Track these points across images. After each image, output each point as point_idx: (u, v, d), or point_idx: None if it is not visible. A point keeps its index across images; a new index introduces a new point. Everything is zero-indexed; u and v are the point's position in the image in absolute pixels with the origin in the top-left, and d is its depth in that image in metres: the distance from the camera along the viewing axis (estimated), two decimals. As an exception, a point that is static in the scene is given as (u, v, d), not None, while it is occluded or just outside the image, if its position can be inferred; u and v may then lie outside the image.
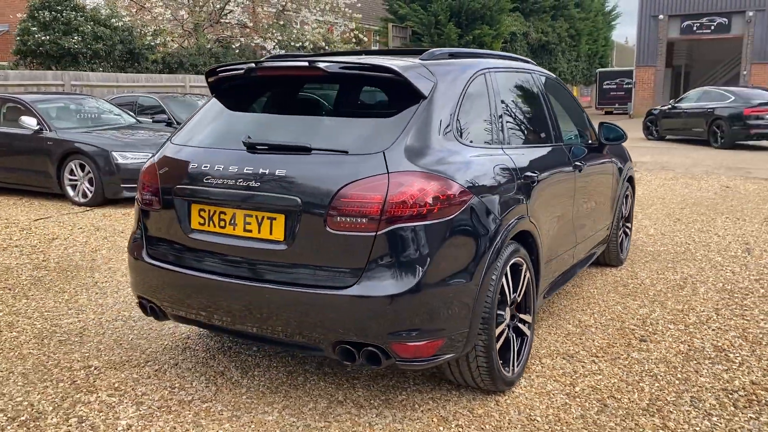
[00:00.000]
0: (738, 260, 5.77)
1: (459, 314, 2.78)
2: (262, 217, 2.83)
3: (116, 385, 3.36)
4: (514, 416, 3.00)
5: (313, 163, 2.77)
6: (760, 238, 6.63)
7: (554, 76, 4.58)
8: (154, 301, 3.23)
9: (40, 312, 4.47)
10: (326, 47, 23.88)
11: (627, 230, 5.78)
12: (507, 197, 3.10)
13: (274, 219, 2.80)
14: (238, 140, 2.99)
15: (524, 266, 3.26)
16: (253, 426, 2.93)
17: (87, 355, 3.74)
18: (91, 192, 8.51)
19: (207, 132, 3.25)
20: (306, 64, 3.02)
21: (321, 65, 2.93)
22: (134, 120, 10.30)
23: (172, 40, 18.23)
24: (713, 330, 4.09)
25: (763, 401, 3.15)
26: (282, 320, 2.79)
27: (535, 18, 37.84)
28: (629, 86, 38.41)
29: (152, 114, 11.68)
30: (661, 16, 29.30)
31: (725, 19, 28.44)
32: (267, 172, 2.80)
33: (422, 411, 3.06)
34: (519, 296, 3.26)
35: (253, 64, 3.13)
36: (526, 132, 3.71)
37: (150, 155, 3.39)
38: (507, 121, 3.46)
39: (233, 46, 19.47)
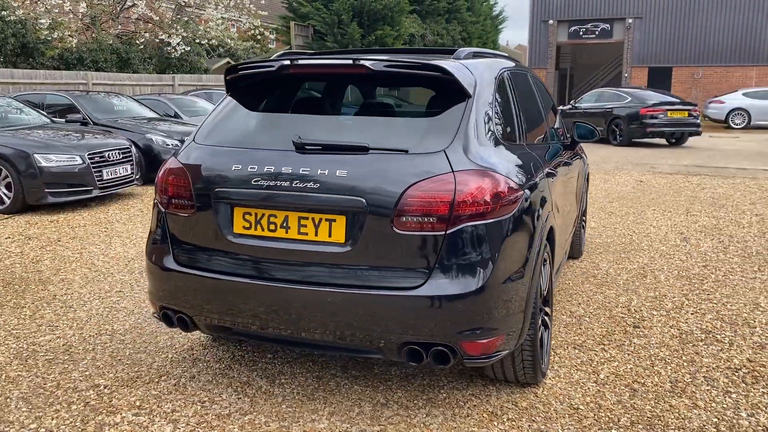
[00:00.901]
0: (680, 249, 6.23)
1: (516, 310, 2.83)
2: (320, 219, 2.74)
3: (137, 403, 3.13)
4: (558, 406, 3.10)
5: (375, 163, 2.72)
6: (690, 227, 7.19)
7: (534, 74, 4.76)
8: (184, 311, 3.04)
9: (7, 330, 4.08)
10: (231, 44, 23.28)
11: (583, 223, 6.09)
12: (542, 194, 3.19)
13: (334, 221, 2.72)
14: (282, 140, 2.88)
15: (548, 260, 3.37)
16: (308, 435, 2.84)
17: (87, 373, 3.46)
18: (9, 198, 7.82)
19: (239, 132, 3.10)
20: (350, 62, 2.95)
21: (366, 63, 2.88)
22: (48, 119, 9.56)
23: (71, 35, 17.03)
24: (692, 314, 4.40)
25: (766, 376, 3.44)
26: (344, 324, 2.72)
27: (430, 20, 38.79)
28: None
29: (57, 112, 10.86)
30: (551, 21, 30.93)
31: (608, 25, 30.47)
32: (327, 172, 2.71)
33: (469, 408, 3.08)
34: (545, 290, 3.36)
35: (287, 61, 3.02)
36: (535, 129, 3.83)
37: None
38: (523, 119, 3.56)
39: (137, 42, 18.49)
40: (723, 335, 4.02)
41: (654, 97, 16.33)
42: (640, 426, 2.92)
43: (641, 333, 4.05)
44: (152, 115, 11.57)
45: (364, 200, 2.65)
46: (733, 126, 23.40)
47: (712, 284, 5.09)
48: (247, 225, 2.86)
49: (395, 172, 2.67)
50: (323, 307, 2.73)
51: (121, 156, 8.65)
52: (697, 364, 3.59)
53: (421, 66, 2.89)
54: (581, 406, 3.10)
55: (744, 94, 23.88)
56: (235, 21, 23.68)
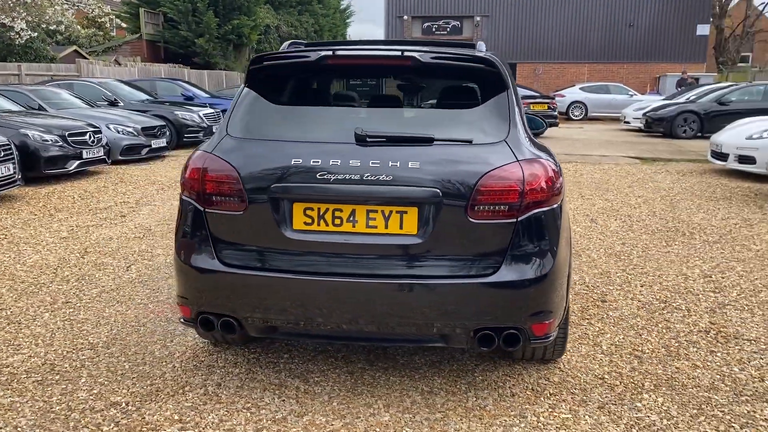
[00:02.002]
0: (593, 229, 6.82)
1: (564, 292, 3.00)
2: (390, 212, 2.72)
3: (176, 417, 2.92)
4: (586, 378, 3.33)
5: (444, 154, 2.75)
6: (591, 210, 7.88)
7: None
8: (231, 314, 2.87)
9: (-40, 355, 3.58)
10: (74, 31, 21.40)
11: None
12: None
13: (405, 213, 2.71)
14: (337, 132, 2.83)
15: None
16: (378, 429, 2.82)
17: (95, 392, 3.15)
18: None
19: (282, 124, 2.97)
20: (398, 53, 2.94)
21: (415, 55, 2.89)
22: None
23: None
24: (641, 287, 4.88)
25: (732, 335, 3.93)
26: (417, 315, 2.73)
27: (283, 11, 38.37)
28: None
29: None
30: (405, 17, 31.87)
31: (458, 22, 32.02)
32: (399, 164, 2.70)
33: (510, 387, 3.22)
34: None
35: (328, 52, 2.95)
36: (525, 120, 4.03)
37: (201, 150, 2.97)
38: (522, 109, 3.74)
39: (-25, 25, 16.41)
40: (677, 303, 4.50)
41: (522, 92, 17.48)
42: (664, 388, 3.23)
43: (611, 306, 4.43)
44: (16, 108, 10.42)
45: (439, 191, 2.68)
46: (573, 117, 25.64)
47: (638, 260, 5.65)
48: (309, 221, 2.77)
49: (466, 162, 2.72)
50: (393, 299, 2.72)
51: (1, 154, 7.74)
52: (672, 330, 4.01)
53: (468, 58, 2.95)
54: (606, 376, 3.36)
55: (581, 89, 26.26)
56: (76, 3, 21.73)
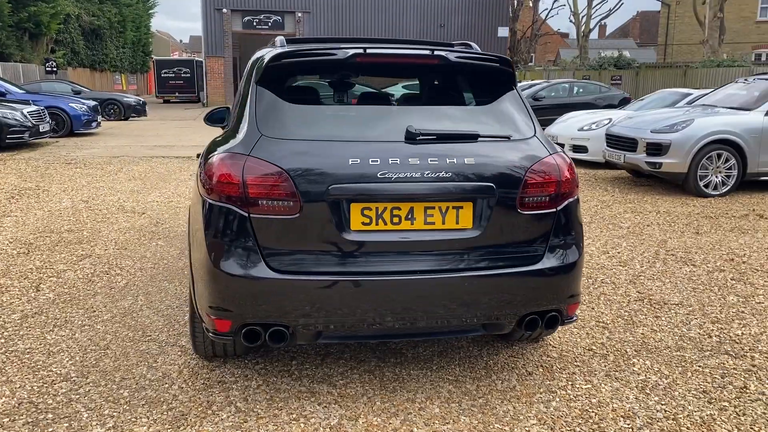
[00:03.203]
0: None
1: None
2: (447, 208, 2.77)
3: (225, 439, 2.72)
4: (577, 350, 3.65)
5: (491, 149, 2.86)
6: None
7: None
8: (282, 323, 2.74)
9: None
10: None
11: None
12: None
13: (461, 208, 2.79)
14: (382, 130, 2.82)
15: None
16: (436, 422, 2.88)
17: (111, 426, 2.82)
18: None
19: (320, 123, 2.87)
20: (427, 52, 2.99)
21: (443, 54, 2.97)
22: None
23: None
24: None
25: (661, 301, 4.52)
26: (473, 306, 2.82)
27: (84, 0, 35.26)
28: (187, 75, 39.31)
29: None
30: (225, 10, 30.86)
31: (279, 17, 31.74)
32: (455, 161, 2.76)
33: (523, 368, 3.44)
34: None
35: (358, 50, 2.91)
36: None
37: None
38: None
39: None
40: (602, 278, 5.05)
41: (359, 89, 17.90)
42: (644, 352, 3.65)
43: (553, 286, 4.85)
44: None
45: (493, 185, 2.79)
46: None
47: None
48: (367, 221, 2.73)
49: (511, 157, 2.87)
50: (452, 294, 2.79)
51: None
52: (614, 301, 4.51)
53: (489, 58, 3.09)
54: (591, 347, 3.70)
55: (403, 86, 27.48)
56: None
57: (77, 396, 3.08)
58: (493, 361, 3.50)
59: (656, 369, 3.44)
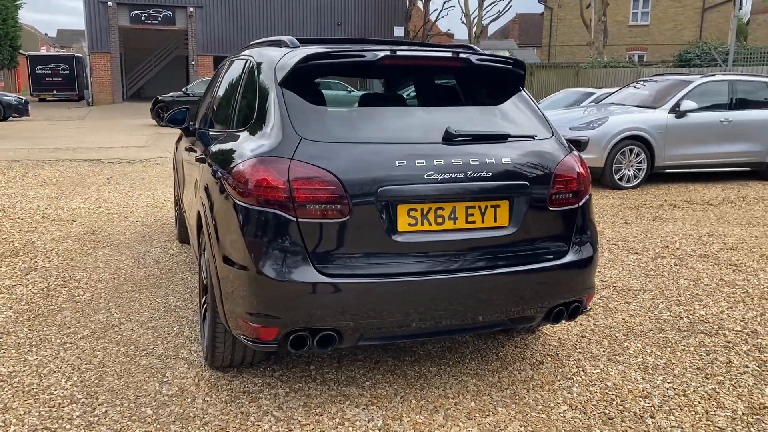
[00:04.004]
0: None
1: None
2: (486, 206, 2.85)
3: (278, 449, 2.66)
4: (573, 338, 3.86)
5: (522, 149, 2.96)
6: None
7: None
8: (331, 328, 2.71)
9: None
10: None
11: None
12: None
13: (498, 206, 2.87)
14: (420, 132, 2.89)
15: None
16: (478, 414, 2.96)
17: (150, 446, 2.67)
18: None
19: (357, 125, 2.87)
20: (450, 54, 3.05)
21: (465, 56, 3.05)
22: None
23: None
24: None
25: (624, 288, 4.85)
26: (511, 301, 2.92)
27: (-56, -12, 32.15)
28: (66, 72, 36.93)
29: None
30: (110, 3, 29.22)
31: (170, 12, 30.48)
32: (494, 161, 2.84)
33: (532, 357, 3.59)
34: None
35: (387, 52, 2.93)
36: None
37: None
38: None
39: None
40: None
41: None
42: (632, 336, 3.92)
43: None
44: None
45: (527, 183, 2.90)
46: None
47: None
48: (413, 222, 2.75)
49: (540, 156, 2.99)
50: (492, 289, 2.88)
51: None
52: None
53: (506, 61, 3.19)
54: (584, 333, 3.92)
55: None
56: None
57: (95, 418, 2.88)
58: (503, 353, 3.63)
59: (649, 351, 3.70)
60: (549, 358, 3.58)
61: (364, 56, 2.95)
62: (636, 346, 3.76)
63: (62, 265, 5.22)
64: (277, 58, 3.13)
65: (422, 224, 2.78)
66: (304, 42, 3.31)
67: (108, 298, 4.46)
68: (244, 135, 3.09)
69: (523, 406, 3.04)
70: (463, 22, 38.95)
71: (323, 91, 3.42)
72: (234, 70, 3.94)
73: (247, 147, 2.90)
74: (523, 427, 2.86)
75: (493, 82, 3.25)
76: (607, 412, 3.01)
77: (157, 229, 6.51)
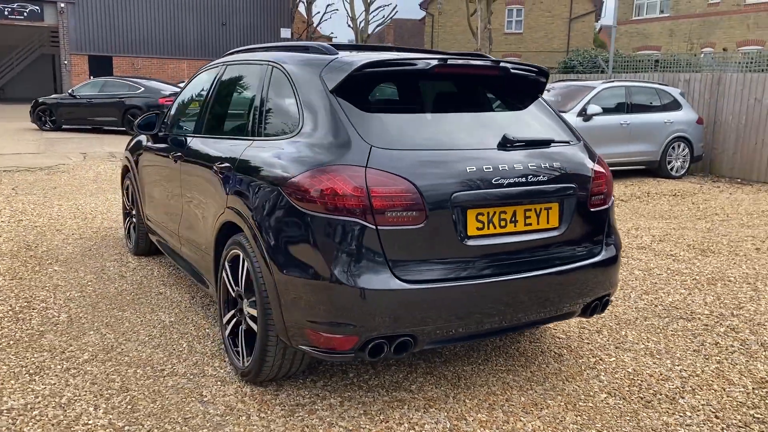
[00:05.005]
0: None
1: None
2: (540, 209, 2.98)
3: (364, 459, 2.64)
4: (575, 330, 4.10)
5: (565, 153, 3.13)
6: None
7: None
8: (409, 333, 2.72)
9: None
10: None
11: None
12: None
13: (550, 208, 3.01)
14: (476, 138, 2.98)
15: None
16: (533, 409, 3.09)
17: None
18: None
19: (421, 133, 2.90)
20: (489, 63, 3.16)
21: (504, 65, 3.18)
22: None
23: None
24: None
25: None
26: (562, 297, 3.07)
27: None
28: None
29: None
30: (-32, -4, 26.62)
31: (37, 7, 28.23)
32: (548, 165, 2.98)
33: (550, 350, 3.78)
34: None
35: (438, 61, 2.99)
36: None
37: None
38: None
39: None
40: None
41: (166, 87, 16.81)
42: (623, 324, 4.23)
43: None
44: None
45: (574, 185, 3.07)
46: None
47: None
48: (480, 226, 2.83)
49: (579, 159, 3.17)
50: (548, 288, 3.02)
51: None
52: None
53: (534, 70, 3.34)
54: (583, 325, 4.19)
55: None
56: None
57: (157, 444, 2.71)
58: (522, 349, 3.79)
59: (646, 337, 4.02)
60: (566, 350, 3.79)
61: (416, 64, 2.99)
62: (632, 334, 4.06)
63: (14, 284, 4.78)
64: (319, 65, 3.09)
65: (488, 228, 2.87)
66: (338, 48, 3.28)
67: (90, 318, 4.14)
68: (289, 143, 3.02)
69: (567, 397, 3.22)
70: (349, 26, 39.24)
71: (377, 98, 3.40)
72: (246, 77, 3.80)
73: (306, 156, 2.84)
74: (578, 417, 3.03)
75: (521, 90, 3.40)
76: (641, 396, 3.25)
77: (100, 242, 6.09)
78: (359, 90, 2.98)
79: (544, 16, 36.98)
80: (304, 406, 3.06)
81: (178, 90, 16.81)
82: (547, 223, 3.04)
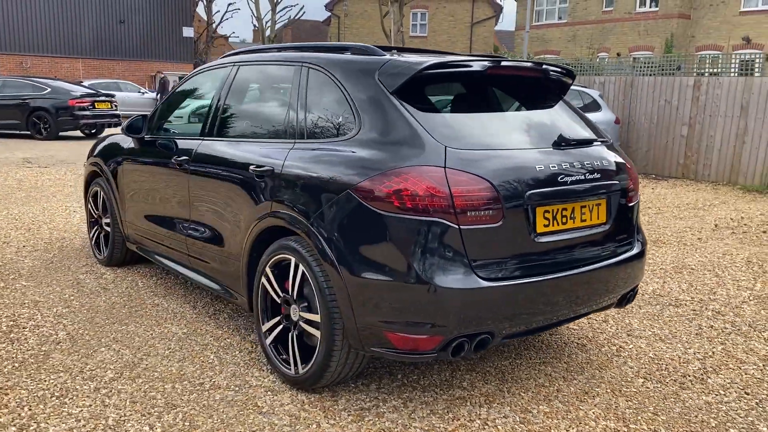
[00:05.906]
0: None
1: None
2: (593, 205, 3.10)
3: (455, 458, 2.66)
4: (583, 320, 4.30)
5: (607, 152, 3.27)
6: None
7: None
8: (489, 331, 2.77)
9: None
10: None
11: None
12: None
13: (599, 204, 3.14)
14: (531, 138, 3.07)
15: None
16: (584, 398, 3.22)
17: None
18: None
19: (487, 133, 2.94)
20: (533, 65, 3.25)
21: (545, 67, 3.30)
22: None
23: None
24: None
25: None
26: (608, 289, 3.22)
27: None
28: None
29: None
30: None
31: None
32: (599, 163, 3.11)
33: (576, 343, 3.95)
34: None
35: (491, 63, 3.07)
36: None
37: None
38: None
39: None
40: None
41: (76, 88, 15.78)
42: (623, 314, 4.48)
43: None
44: None
45: (618, 182, 3.23)
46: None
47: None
48: (546, 222, 2.91)
49: (614, 157, 3.33)
50: (601, 280, 3.15)
51: None
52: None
53: (565, 72, 3.48)
54: (589, 316, 4.39)
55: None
56: None
57: (235, 462, 2.59)
58: (546, 341, 3.93)
59: (648, 324, 4.28)
60: (586, 340, 3.96)
61: (471, 66, 3.04)
62: (635, 321, 4.31)
63: (-13, 302, 4.37)
64: (373, 67, 3.06)
65: (553, 224, 2.96)
66: (385, 50, 3.28)
67: (93, 334, 3.88)
68: (346, 145, 2.98)
69: (610, 384, 3.38)
70: (254, 26, 38.49)
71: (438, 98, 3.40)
72: (272, 78, 3.69)
73: (376, 157, 2.82)
74: (630, 402, 3.19)
75: (552, 90, 3.52)
76: (674, 378, 3.47)
77: (58, 254, 5.68)
78: (421, 91, 3.00)
79: (447, 20, 37.99)
80: (369, 410, 3.02)
81: (93, 92, 15.85)
82: (598, 218, 3.18)
